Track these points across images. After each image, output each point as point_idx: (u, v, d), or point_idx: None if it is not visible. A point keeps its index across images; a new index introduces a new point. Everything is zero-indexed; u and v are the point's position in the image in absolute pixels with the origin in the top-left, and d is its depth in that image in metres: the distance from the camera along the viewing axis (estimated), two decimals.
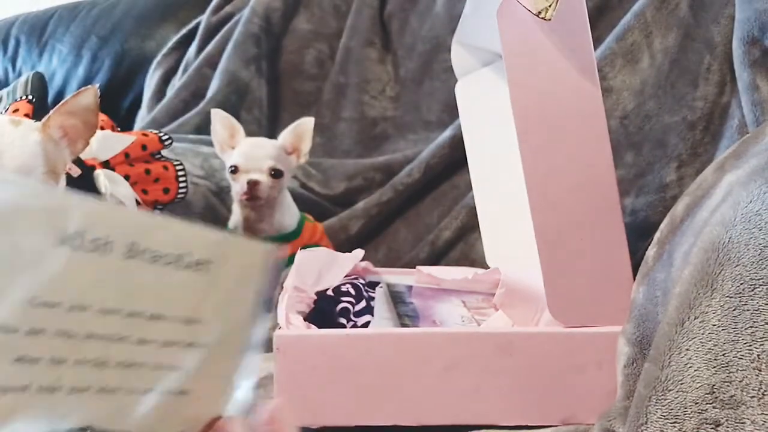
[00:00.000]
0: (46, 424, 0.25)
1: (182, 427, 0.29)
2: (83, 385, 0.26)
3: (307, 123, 0.93)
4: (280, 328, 0.62)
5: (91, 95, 0.79)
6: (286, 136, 0.93)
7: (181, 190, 0.91)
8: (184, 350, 0.28)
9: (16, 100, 1.05)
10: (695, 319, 0.40)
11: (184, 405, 0.29)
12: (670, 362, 0.40)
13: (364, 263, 0.79)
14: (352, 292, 0.73)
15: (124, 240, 0.26)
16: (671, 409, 0.39)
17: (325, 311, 0.71)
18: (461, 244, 1.02)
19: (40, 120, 0.81)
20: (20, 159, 0.76)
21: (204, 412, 0.30)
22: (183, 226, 0.28)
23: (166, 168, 0.91)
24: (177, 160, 0.93)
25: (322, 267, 0.73)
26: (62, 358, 0.25)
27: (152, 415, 0.28)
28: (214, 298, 0.29)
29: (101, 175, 0.90)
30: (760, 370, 0.36)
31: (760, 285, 0.38)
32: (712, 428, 0.37)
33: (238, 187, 0.89)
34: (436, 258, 1.03)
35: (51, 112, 0.79)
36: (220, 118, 0.93)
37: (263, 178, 0.88)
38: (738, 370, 0.37)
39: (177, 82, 1.44)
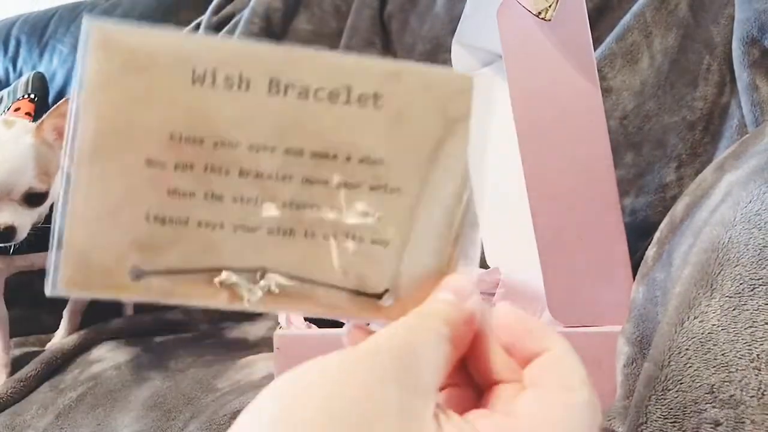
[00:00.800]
0: (215, 259, 0.26)
1: (387, 283, 0.27)
2: (249, 225, 0.26)
3: None
4: (280, 327, 0.62)
5: None
6: None
7: None
8: (368, 193, 0.26)
9: (17, 100, 1.05)
10: (695, 318, 0.40)
11: (385, 257, 0.26)
12: (669, 362, 0.40)
13: None
14: None
15: (263, 76, 0.26)
16: (671, 409, 0.39)
17: None
18: None
19: (41, 118, 0.81)
20: (11, 162, 0.77)
21: (415, 269, 0.27)
22: (338, 57, 0.26)
23: None
24: None
25: None
26: (218, 195, 0.26)
27: (341, 264, 0.26)
28: (396, 137, 0.26)
29: None
30: (759, 370, 0.37)
31: (760, 285, 0.38)
32: (711, 428, 0.37)
33: None
34: None
35: (45, 115, 0.80)
36: None
37: None
38: (737, 369, 0.37)
39: None
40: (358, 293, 0.26)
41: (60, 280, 0.25)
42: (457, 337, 0.26)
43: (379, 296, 0.27)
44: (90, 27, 0.26)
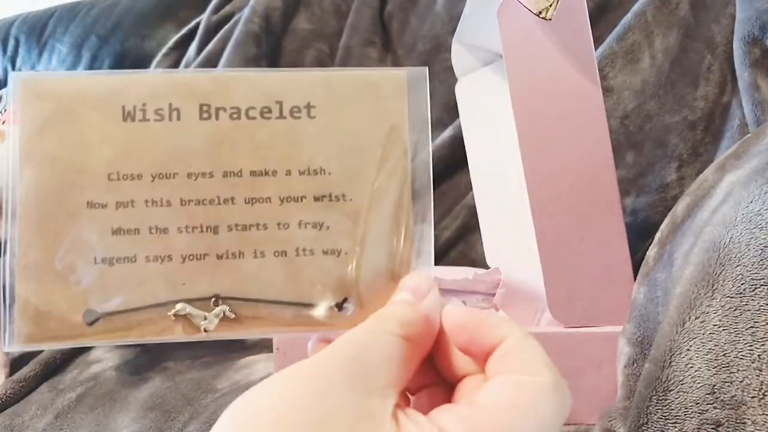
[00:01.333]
0: (167, 292, 0.26)
1: (345, 292, 0.27)
2: (198, 253, 0.26)
3: None
4: None
5: None
6: None
7: None
8: (313, 204, 0.26)
9: None
10: (696, 319, 0.40)
11: (339, 267, 0.26)
12: (670, 362, 0.40)
13: None
14: None
15: (192, 103, 0.26)
16: (672, 410, 0.39)
17: None
18: (461, 244, 1.02)
19: None
20: (5, 177, 0.76)
21: (371, 274, 0.27)
22: (265, 74, 0.26)
23: None
24: None
25: None
26: (163, 228, 0.25)
27: (296, 279, 0.26)
28: (334, 144, 0.26)
29: None
30: (760, 371, 0.36)
31: (761, 285, 0.38)
32: (712, 428, 0.37)
33: None
34: (436, 258, 1.02)
35: None
36: None
37: None
38: (739, 370, 0.37)
39: None
40: (318, 307, 0.26)
41: (16, 335, 0.25)
42: (416, 336, 0.26)
43: (339, 306, 0.27)
44: (17, 80, 0.26)
